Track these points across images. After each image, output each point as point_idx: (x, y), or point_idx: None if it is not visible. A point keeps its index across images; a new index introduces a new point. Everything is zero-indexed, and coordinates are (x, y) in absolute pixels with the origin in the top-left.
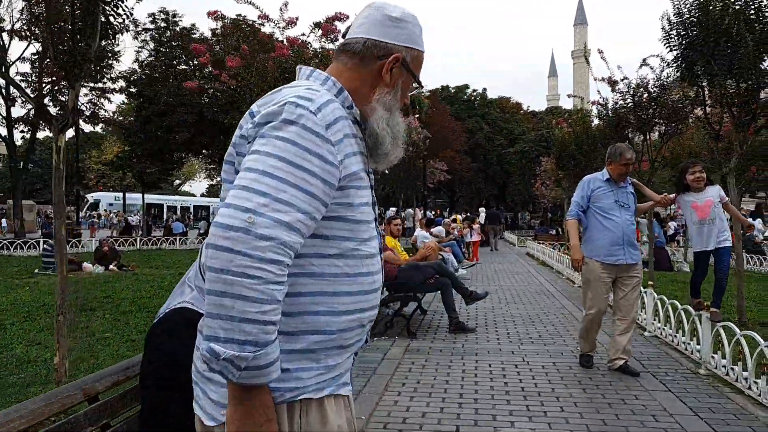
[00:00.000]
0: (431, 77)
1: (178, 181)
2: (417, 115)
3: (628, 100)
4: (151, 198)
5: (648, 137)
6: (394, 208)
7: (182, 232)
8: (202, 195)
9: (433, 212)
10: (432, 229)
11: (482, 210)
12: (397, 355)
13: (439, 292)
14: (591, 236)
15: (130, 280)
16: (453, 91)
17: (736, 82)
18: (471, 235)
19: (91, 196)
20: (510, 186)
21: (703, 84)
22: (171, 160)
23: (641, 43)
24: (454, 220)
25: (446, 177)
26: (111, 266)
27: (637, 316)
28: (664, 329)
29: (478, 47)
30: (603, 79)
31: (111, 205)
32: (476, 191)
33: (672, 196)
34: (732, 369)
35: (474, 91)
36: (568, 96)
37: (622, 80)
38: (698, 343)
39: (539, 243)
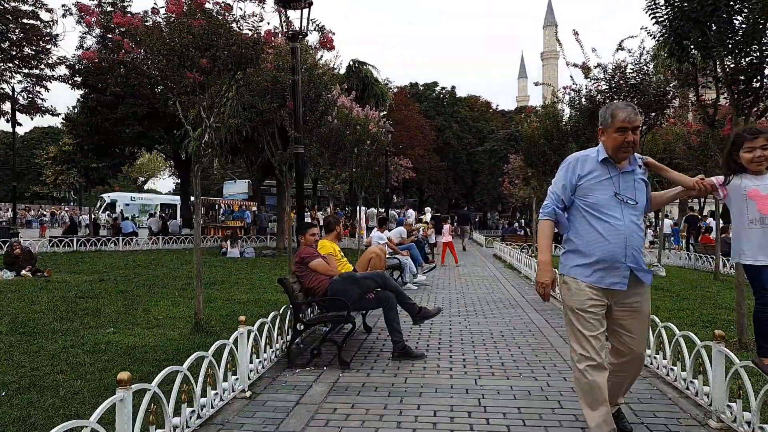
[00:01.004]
0: (399, 74)
1: (141, 179)
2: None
3: (604, 86)
4: (164, 199)
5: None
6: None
7: (131, 232)
8: (168, 193)
9: (398, 211)
10: (391, 230)
11: (428, 209)
12: (317, 397)
13: (382, 308)
14: (576, 246)
15: (35, 288)
16: (422, 88)
17: (736, 57)
18: (433, 237)
19: (107, 196)
20: (479, 185)
21: (697, 60)
22: (120, 155)
23: (612, 45)
24: (423, 220)
25: (411, 175)
26: (24, 271)
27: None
28: (656, 358)
29: (446, 49)
30: (576, 65)
31: (128, 205)
32: (445, 190)
33: (714, 179)
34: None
35: (443, 89)
36: (535, 84)
37: (596, 67)
38: (706, 384)
39: (506, 244)
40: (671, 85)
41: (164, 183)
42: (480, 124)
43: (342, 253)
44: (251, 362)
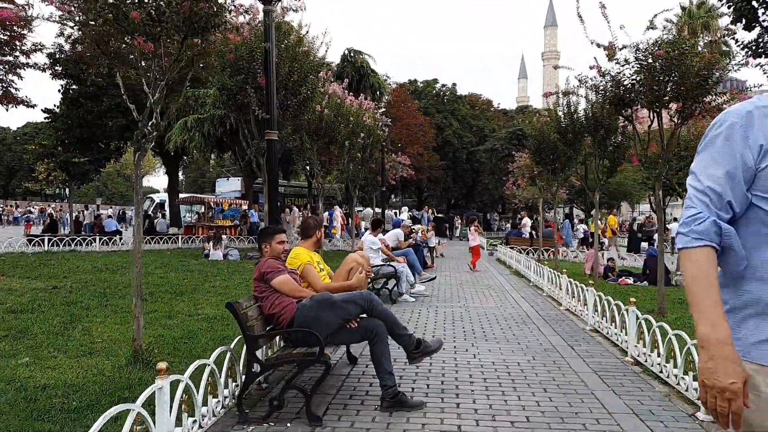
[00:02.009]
0: (399, 71)
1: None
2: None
3: (633, 68)
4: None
5: (659, 117)
6: (363, 208)
7: (114, 231)
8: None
9: (394, 212)
10: (387, 233)
11: (405, 209)
12: None
13: (368, 342)
14: (761, 296)
15: None
16: (421, 85)
17: None
18: (433, 240)
19: (157, 197)
20: (479, 185)
21: None
22: (106, 150)
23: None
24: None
25: (410, 173)
26: None
27: None
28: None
29: (445, 49)
30: (600, 45)
31: None
32: (445, 190)
33: None
34: None
35: (443, 86)
36: (555, 68)
37: (621, 48)
38: None
39: (510, 248)
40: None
41: (159, 180)
42: (481, 122)
43: (321, 264)
44: (180, 423)
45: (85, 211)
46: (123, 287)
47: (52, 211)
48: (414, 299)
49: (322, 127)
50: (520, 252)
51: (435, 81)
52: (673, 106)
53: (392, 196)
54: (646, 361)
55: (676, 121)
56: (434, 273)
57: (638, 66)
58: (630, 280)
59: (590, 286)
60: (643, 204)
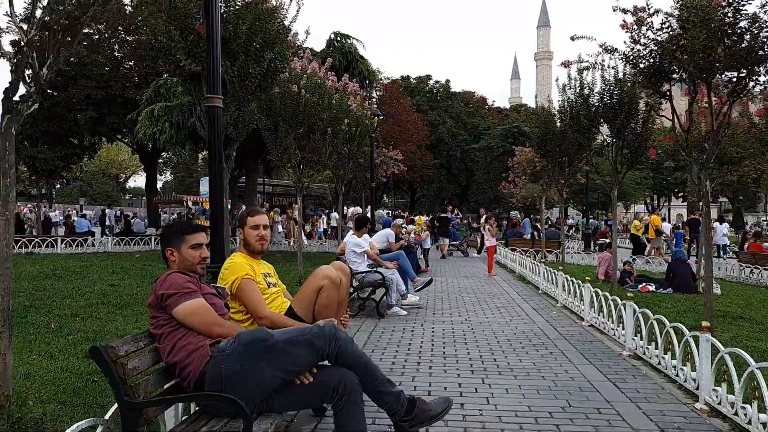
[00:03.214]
0: (391, 66)
1: (123, 176)
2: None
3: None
4: None
5: (709, 89)
6: (354, 206)
7: (86, 232)
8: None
9: (386, 211)
10: (376, 234)
11: (354, 209)
12: None
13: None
14: None
15: None
16: (414, 81)
17: None
18: (428, 242)
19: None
20: (474, 185)
21: None
22: (76, 145)
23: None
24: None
25: (402, 168)
26: None
27: None
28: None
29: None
30: (625, 11)
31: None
32: (438, 190)
33: None
34: None
35: (437, 82)
36: (572, 39)
37: (653, 14)
38: None
39: (512, 251)
40: None
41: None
42: (475, 120)
43: (271, 278)
44: None
45: (73, 212)
46: (60, 298)
47: (18, 211)
48: (406, 312)
49: (300, 111)
50: (523, 255)
51: (428, 77)
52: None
53: (384, 196)
54: (735, 413)
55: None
56: (430, 275)
57: (687, 23)
58: (651, 287)
59: (622, 298)
60: (638, 205)
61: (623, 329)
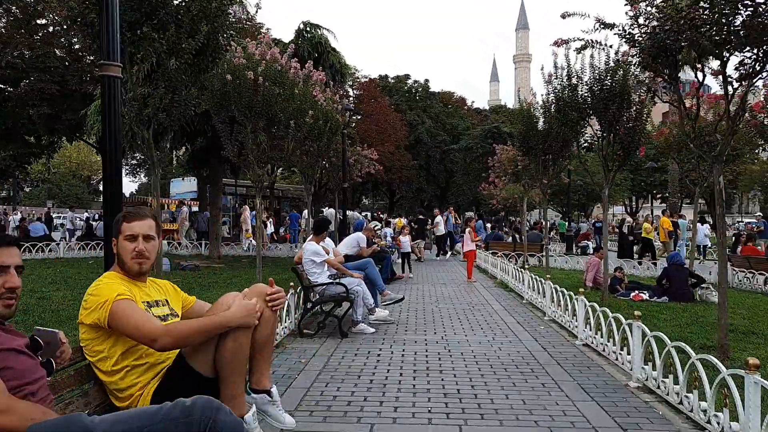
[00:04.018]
0: (368, 66)
1: (95, 178)
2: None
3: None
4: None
5: (724, 71)
6: (329, 208)
7: (42, 236)
8: (132, 193)
9: (363, 213)
10: (346, 238)
11: (329, 211)
12: None
13: None
14: None
15: None
16: (392, 81)
17: None
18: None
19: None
20: (453, 186)
21: None
22: (33, 144)
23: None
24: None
25: (377, 168)
26: None
27: None
28: None
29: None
30: None
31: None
32: (417, 191)
33: None
34: None
35: (415, 82)
36: (582, 16)
37: None
38: None
39: (492, 253)
40: None
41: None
42: (455, 120)
43: (163, 308)
44: None
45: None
46: None
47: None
48: (374, 329)
49: (258, 102)
50: (503, 259)
51: (407, 77)
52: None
53: (362, 197)
54: None
55: (735, 83)
56: (405, 285)
57: None
58: (645, 295)
59: (614, 310)
60: (616, 206)
61: (628, 354)
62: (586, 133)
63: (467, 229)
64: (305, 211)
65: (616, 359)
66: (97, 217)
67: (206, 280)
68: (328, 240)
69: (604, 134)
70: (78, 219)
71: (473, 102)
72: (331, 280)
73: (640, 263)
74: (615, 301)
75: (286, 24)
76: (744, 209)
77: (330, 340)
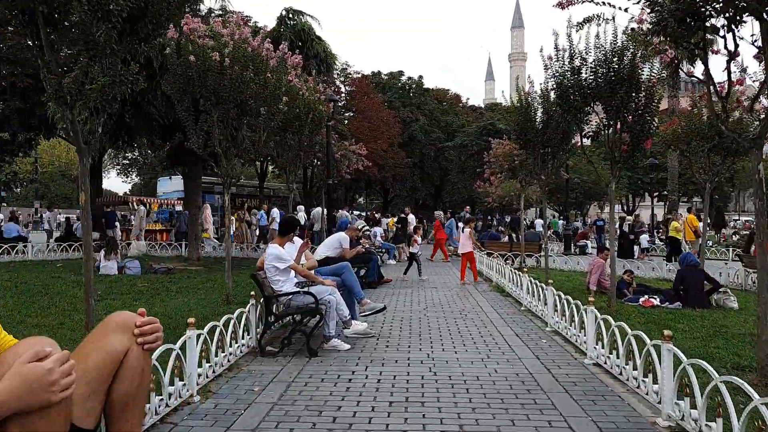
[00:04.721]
0: (360, 62)
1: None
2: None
3: None
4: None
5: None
6: (315, 207)
7: (16, 237)
8: (126, 193)
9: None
10: (327, 239)
11: (316, 210)
12: None
13: None
14: None
15: None
16: (385, 77)
17: None
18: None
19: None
20: (448, 184)
21: None
22: (7, 141)
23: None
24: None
25: (366, 165)
26: None
27: None
28: None
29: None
30: None
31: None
32: (411, 190)
33: None
34: None
35: (409, 78)
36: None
37: None
38: None
39: (488, 254)
40: None
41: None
42: (449, 117)
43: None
44: None
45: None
46: None
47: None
48: (349, 346)
49: (225, 86)
50: (499, 258)
51: (400, 73)
52: None
53: (356, 196)
54: None
55: None
56: (393, 289)
57: None
58: (656, 300)
59: (628, 318)
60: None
61: (654, 382)
62: (591, 122)
63: (467, 230)
64: (274, 210)
65: (638, 387)
66: (76, 217)
67: (176, 285)
68: (296, 241)
69: (611, 122)
70: (57, 219)
71: (468, 99)
72: (298, 289)
73: (668, 267)
74: (623, 308)
75: (269, 12)
76: (741, 207)
77: (296, 359)
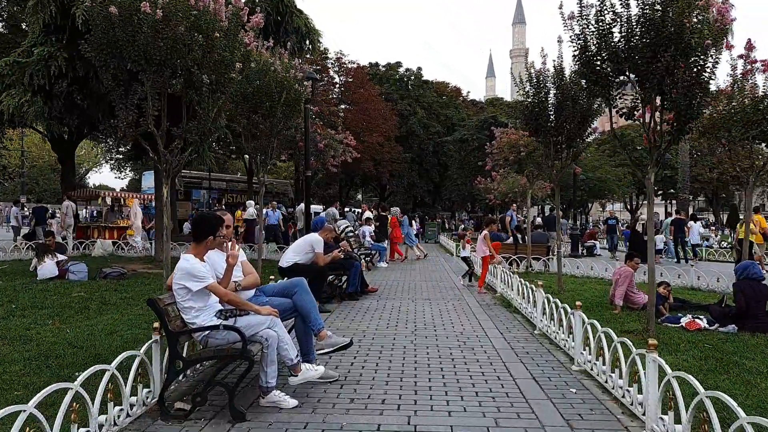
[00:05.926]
0: (358, 53)
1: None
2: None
3: None
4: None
5: None
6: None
7: None
8: (122, 189)
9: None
10: (294, 243)
11: (300, 207)
12: None
13: None
14: None
15: None
16: (383, 69)
17: None
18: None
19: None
20: (447, 181)
21: None
22: None
23: None
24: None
25: (354, 155)
26: None
27: None
28: None
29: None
30: None
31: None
32: (409, 186)
33: None
34: None
35: (407, 70)
36: None
37: None
38: None
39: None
40: None
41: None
42: (449, 111)
43: None
44: None
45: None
46: None
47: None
48: (296, 402)
49: (160, 48)
50: (503, 262)
51: (398, 64)
52: None
53: (352, 193)
54: None
55: None
56: (378, 300)
57: None
58: (703, 322)
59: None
60: (615, 203)
61: None
62: (626, 94)
63: (485, 232)
64: (250, 202)
65: None
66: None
67: (119, 295)
68: (217, 252)
69: (652, 96)
70: (24, 215)
71: (468, 92)
72: (218, 322)
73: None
74: (664, 332)
75: None
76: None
77: (214, 424)
